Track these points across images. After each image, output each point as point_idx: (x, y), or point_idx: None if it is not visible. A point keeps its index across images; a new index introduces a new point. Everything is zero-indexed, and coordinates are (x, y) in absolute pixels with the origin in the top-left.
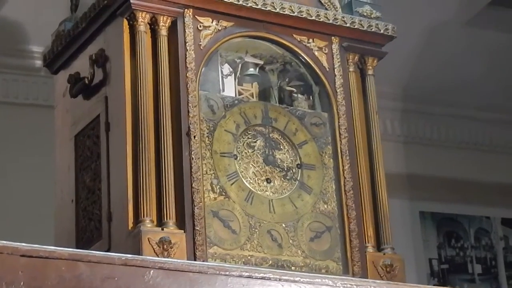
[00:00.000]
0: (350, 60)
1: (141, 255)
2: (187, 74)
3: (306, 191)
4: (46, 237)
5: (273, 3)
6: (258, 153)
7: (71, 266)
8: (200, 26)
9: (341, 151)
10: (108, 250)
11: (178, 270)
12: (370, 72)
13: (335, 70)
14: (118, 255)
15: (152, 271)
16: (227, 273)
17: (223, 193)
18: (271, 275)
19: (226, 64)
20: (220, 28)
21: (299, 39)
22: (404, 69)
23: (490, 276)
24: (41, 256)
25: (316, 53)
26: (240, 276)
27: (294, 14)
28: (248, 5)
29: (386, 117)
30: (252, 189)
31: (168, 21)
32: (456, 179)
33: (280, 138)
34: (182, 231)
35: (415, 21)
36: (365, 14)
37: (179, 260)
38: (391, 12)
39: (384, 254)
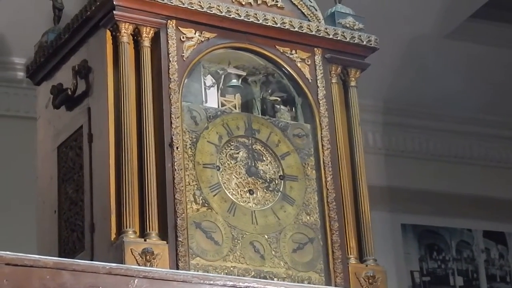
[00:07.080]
0: (333, 72)
1: None
2: (170, 85)
3: (288, 202)
4: (30, 247)
5: (256, 14)
6: (241, 164)
7: (55, 275)
8: (183, 37)
9: (323, 162)
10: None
11: (163, 279)
12: (352, 83)
13: (318, 81)
14: (103, 264)
15: (136, 280)
16: (212, 282)
17: (206, 204)
18: (255, 284)
19: (209, 75)
20: (203, 39)
21: (282, 51)
22: (385, 82)
23: None
24: (26, 265)
25: (298, 64)
26: (224, 285)
27: (277, 26)
28: (231, 17)
29: (367, 130)
30: (235, 200)
31: (151, 32)
32: (438, 192)
33: (263, 150)
34: (165, 242)
35: (396, 34)
36: (348, 25)
37: (163, 269)
38: (372, 24)
39: (366, 265)
